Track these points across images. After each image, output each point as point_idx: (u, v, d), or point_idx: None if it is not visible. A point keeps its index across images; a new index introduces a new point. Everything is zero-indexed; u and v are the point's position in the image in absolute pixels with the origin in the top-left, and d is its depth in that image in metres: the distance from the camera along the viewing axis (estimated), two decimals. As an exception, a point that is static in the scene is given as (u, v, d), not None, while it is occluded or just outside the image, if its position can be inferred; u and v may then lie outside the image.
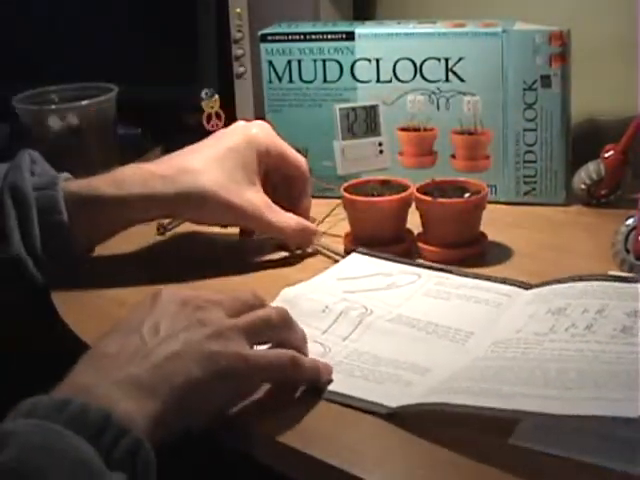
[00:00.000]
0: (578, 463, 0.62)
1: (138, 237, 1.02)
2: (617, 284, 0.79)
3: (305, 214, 0.99)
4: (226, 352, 0.65)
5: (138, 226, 0.97)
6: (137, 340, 0.65)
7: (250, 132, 0.97)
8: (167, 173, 0.92)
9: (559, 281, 0.82)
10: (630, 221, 0.88)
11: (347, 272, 0.90)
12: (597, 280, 0.80)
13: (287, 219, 0.95)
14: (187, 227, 1.05)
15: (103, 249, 1.00)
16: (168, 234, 1.04)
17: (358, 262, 0.92)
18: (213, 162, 0.93)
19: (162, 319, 0.67)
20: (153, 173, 0.92)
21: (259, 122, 0.99)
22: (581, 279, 0.81)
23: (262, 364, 0.67)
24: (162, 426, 0.61)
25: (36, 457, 0.54)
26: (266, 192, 0.96)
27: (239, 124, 0.99)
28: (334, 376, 0.72)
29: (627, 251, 0.87)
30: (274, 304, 0.81)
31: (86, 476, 0.54)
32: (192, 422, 0.65)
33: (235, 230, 1.01)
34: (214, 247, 1.01)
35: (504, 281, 0.85)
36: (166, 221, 1.04)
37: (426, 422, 0.66)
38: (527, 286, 0.83)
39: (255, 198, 0.94)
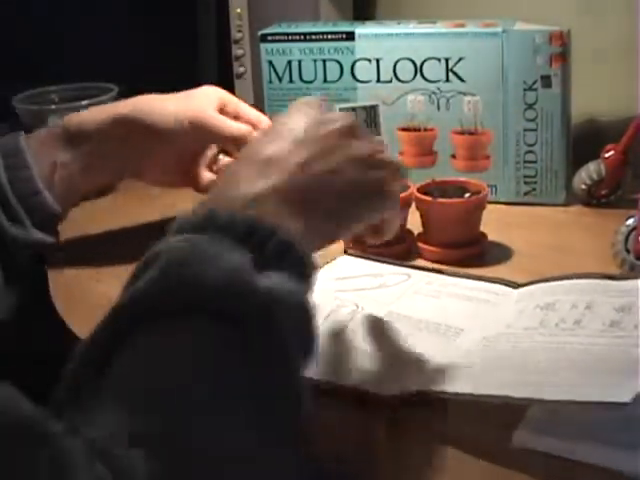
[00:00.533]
0: (578, 464, 0.62)
1: (138, 237, 1.02)
2: (605, 281, 0.80)
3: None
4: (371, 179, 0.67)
5: (138, 227, 0.97)
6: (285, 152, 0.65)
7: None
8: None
9: (547, 280, 0.83)
10: (630, 221, 0.88)
11: (338, 273, 0.90)
12: (585, 278, 0.81)
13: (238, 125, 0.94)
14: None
15: (102, 248, 1.00)
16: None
17: (348, 263, 0.92)
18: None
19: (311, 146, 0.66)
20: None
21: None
22: (568, 277, 0.82)
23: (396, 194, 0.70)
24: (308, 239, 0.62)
25: (190, 264, 0.55)
26: None
27: None
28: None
29: (627, 251, 0.87)
30: None
31: (240, 280, 0.54)
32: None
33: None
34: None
35: (494, 280, 0.86)
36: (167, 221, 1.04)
37: (424, 421, 0.66)
38: (515, 285, 0.84)
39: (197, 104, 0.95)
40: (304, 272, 0.60)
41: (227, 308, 0.53)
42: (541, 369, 0.68)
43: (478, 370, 0.69)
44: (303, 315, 0.59)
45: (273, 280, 0.56)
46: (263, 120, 0.97)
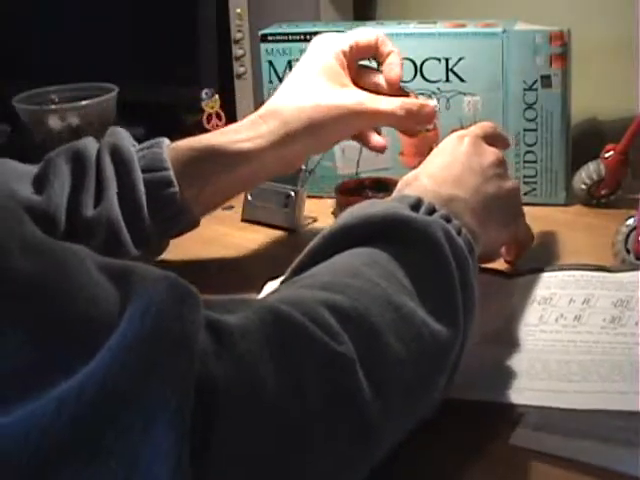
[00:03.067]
0: (578, 464, 0.62)
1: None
2: (600, 274, 0.81)
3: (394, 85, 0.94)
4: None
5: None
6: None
7: (315, 43, 0.95)
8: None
9: (540, 270, 0.84)
10: (630, 221, 0.88)
11: None
12: (578, 270, 0.81)
13: (391, 101, 0.92)
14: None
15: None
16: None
17: None
18: (296, 90, 0.91)
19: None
20: (253, 122, 0.90)
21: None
22: (561, 269, 0.83)
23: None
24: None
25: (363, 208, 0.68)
26: (364, 83, 0.94)
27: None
28: None
29: (627, 251, 0.87)
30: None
31: (398, 213, 0.66)
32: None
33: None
34: (213, 244, 1.02)
35: (484, 270, 0.86)
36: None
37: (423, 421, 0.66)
38: (507, 275, 0.85)
39: (350, 95, 0.91)
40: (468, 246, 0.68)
41: (391, 233, 0.65)
42: (552, 373, 0.69)
43: (487, 374, 0.69)
44: (465, 263, 0.65)
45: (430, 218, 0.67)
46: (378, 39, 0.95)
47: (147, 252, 0.87)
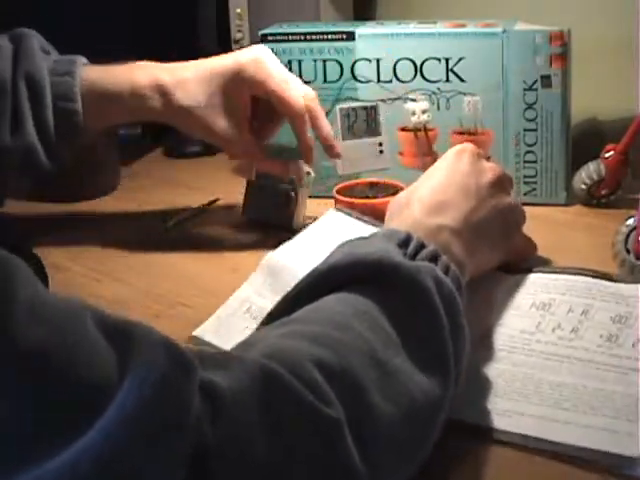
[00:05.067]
0: (580, 464, 0.62)
1: (139, 235, 1.03)
2: (601, 282, 0.80)
3: (307, 154, 0.99)
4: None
5: (138, 227, 0.97)
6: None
7: (240, 61, 0.98)
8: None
9: (541, 271, 0.83)
10: (630, 221, 0.88)
11: (326, 233, 0.90)
12: (580, 275, 0.81)
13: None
14: (185, 227, 1.05)
15: (104, 248, 1.00)
16: (168, 234, 1.04)
17: (337, 222, 0.92)
18: (194, 82, 0.98)
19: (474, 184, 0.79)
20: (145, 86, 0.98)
21: (257, 52, 1.00)
22: (564, 272, 0.82)
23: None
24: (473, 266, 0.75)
25: (352, 247, 0.69)
26: (258, 118, 1.00)
27: (238, 52, 1.01)
28: None
29: (627, 251, 0.87)
30: (258, 270, 0.86)
31: (388, 257, 0.65)
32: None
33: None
34: (213, 244, 1.02)
35: None
36: (166, 221, 1.05)
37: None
38: (507, 271, 0.84)
39: (227, 127, 0.97)
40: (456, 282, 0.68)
41: (380, 278, 0.64)
42: (544, 397, 0.68)
43: (476, 392, 0.69)
44: (453, 304, 0.65)
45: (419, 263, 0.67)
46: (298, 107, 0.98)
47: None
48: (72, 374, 0.44)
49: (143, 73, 0.99)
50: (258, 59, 0.98)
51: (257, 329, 0.66)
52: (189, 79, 0.98)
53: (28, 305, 0.44)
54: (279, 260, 0.86)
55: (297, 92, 0.97)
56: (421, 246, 0.69)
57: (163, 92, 0.97)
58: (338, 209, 0.93)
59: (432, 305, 0.63)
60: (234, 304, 0.83)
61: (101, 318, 0.48)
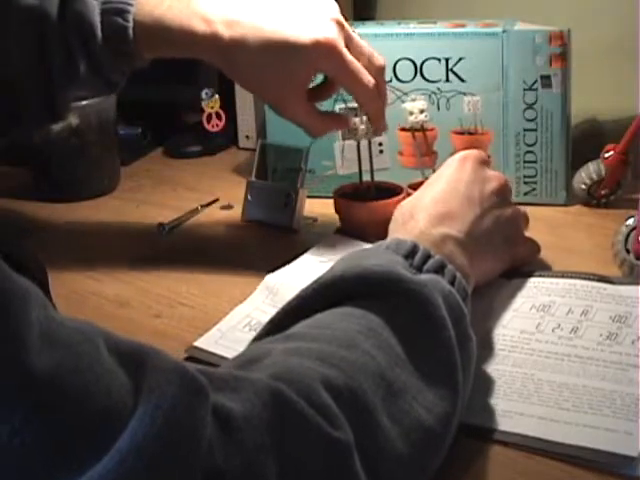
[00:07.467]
0: (579, 465, 0.62)
1: (139, 235, 1.03)
2: (600, 284, 0.80)
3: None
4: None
5: (138, 227, 0.97)
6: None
7: (318, 41, 0.87)
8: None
9: (541, 275, 0.84)
10: (630, 221, 0.88)
11: (326, 255, 0.90)
12: (580, 279, 0.81)
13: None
14: (185, 227, 1.05)
15: (102, 248, 1.00)
16: (168, 234, 1.04)
17: (337, 244, 0.92)
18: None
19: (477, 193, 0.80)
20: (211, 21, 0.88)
21: (332, 34, 0.88)
22: (564, 276, 0.82)
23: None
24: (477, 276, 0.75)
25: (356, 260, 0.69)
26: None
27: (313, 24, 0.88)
28: None
29: (627, 251, 0.87)
30: (258, 291, 0.85)
31: (394, 270, 0.65)
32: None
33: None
34: (213, 244, 1.02)
35: None
36: (166, 221, 1.05)
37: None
38: (507, 276, 0.84)
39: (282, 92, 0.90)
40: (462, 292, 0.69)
41: (386, 292, 0.64)
42: (543, 397, 0.68)
43: (478, 394, 0.69)
44: (460, 316, 0.65)
45: (426, 277, 0.67)
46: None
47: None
48: (87, 400, 0.44)
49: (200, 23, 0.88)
50: (330, 44, 0.87)
51: (258, 336, 0.65)
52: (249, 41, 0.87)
53: (40, 330, 0.44)
54: (278, 281, 0.86)
55: (367, 79, 0.90)
56: (427, 257, 0.69)
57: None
58: (338, 233, 0.94)
59: (440, 320, 0.63)
60: (235, 319, 0.83)
61: (114, 343, 0.47)
